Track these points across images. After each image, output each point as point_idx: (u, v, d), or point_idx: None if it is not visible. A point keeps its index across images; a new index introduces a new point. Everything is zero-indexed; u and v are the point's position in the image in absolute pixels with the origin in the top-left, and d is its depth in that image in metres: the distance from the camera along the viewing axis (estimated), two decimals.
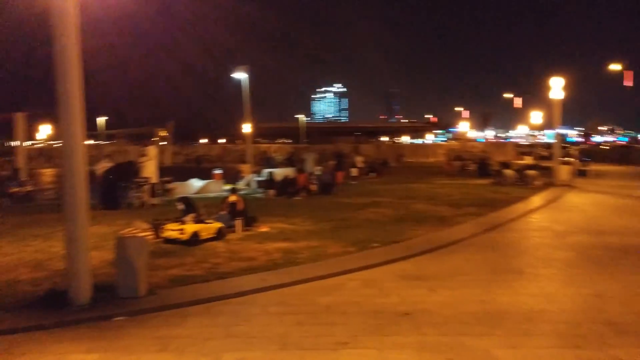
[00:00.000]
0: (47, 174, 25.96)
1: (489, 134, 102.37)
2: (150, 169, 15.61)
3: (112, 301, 5.70)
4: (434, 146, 63.43)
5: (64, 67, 5.44)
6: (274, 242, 9.15)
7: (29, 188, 16.73)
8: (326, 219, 11.78)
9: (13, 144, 28.14)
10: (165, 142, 44.74)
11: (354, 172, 24.18)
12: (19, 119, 23.57)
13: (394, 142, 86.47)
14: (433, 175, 26.79)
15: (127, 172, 15.13)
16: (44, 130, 39.26)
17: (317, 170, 21.54)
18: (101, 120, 60.19)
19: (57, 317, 5.20)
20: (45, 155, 42.63)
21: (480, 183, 21.56)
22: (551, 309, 5.86)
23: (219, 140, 79.60)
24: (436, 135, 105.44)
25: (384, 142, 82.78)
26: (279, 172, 19.69)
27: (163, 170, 21.07)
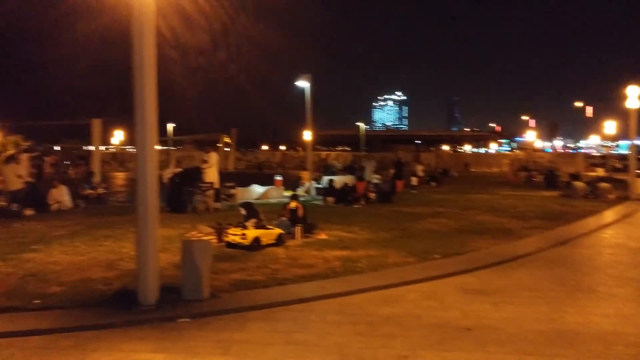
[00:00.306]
0: (120, 177, 27.34)
1: (557, 144, 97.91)
2: (212, 175, 16.08)
3: (177, 303, 5.89)
4: (498, 156, 61.42)
5: (141, 76, 5.72)
6: (333, 250, 9.16)
7: (101, 191, 17.67)
8: (385, 228, 11.66)
9: (90, 148, 29.89)
10: (229, 149, 45.92)
11: (414, 180, 23.82)
12: (96, 124, 25.02)
13: (455, 151, 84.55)
14: (497, 185, 25.93)
15: (192, 177, 15.66)
16: (118, 136, 41.44)
17: (377, 178, 21.40)
18: (170, 127, 62.82)
19: (126, 317, 5.44)
20: (118, 159, 45.00)
21: (548, 195, 20.64)
22: (627, 331, 5.49)
23: (280, 147, 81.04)
24: (500, 144, 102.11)
25: (445, 150, 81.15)
26: (339, 180, 19.73)
27: (226, 176, 21.65)
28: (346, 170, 28.32)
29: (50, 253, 8.55)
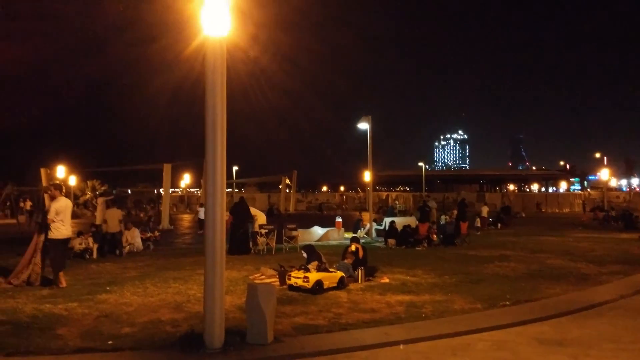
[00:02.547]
0: (186, 219, 28.33)
1: (634, 182, 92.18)
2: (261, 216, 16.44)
3: (242, 347, 5.92)
4: (569, 195, 58.54)
5: (212, 124, 6.01)
6: (396, 294, 8.96)
7: (157, 234, 18.34)
8: (450, 272, 11.30)
9: (160, 191, 31.32)
10: (289, 190, 46.70)
11: (479, 222, 23.10)
12: (167, 169, 26.33)
13: (522, 190, 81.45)
14: (569, 227, 24.65)
15: (252, 218, 15.99)
16: (185, 179, 43.27)
17: (440, 219, 20.93)
18: (234, 169, 64.91)
19: None
20: (185, 202, 46.76)
21: (626, 237, 19.34)
22: None
23: (339, 188, 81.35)
24: (571, 183, 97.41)
25: (511, 190, 78.37)
26: (400, 221, 19.47)
27: (287, 217, 21.88)
28: (408, 211, 27.93)
29: (123, 294, 8.92)
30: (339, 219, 21.96)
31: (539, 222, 27.73)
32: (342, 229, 20.39)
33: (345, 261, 10.64)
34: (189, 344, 5.92)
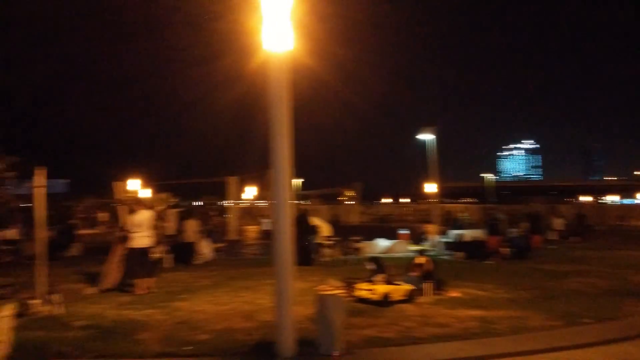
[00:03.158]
0: (251, 230, 28.94)
1: None
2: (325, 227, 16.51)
3: (313, 357, 5.98)
4: None
5: (277, 138, 6.16)
6: (467, 309, 8.70)
7: (221, 244, 18.96)
8: (523, 287, 10.85)
9: (225, 203, 32.28)
10: (353, 202, 46.72)
11: (552, 235, 22.03)
12: (232, 181, 27.13)
13: (599, 202, 77.00)
14: None
15: (314, 229, 16.10)
16: (250, 192, 44.28)
17: (511, 232, 20.18)
18: (297, 182, 65.77)
19: None
20: (250, 213, 47.84)
21: None
22: None
23: (402, 200, 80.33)
24: None
25: (586, 202, 74.26)
26: (468, 234, 18.93)
27: (351, 229, 21.86)
28: (476, 223, 27.12)
29: (196, 302, 9.25)
30: (404, 231, 21.67)
31: (619, 236, 26.06)
32: (408, 241, 20.09)
33: (412, 274, 10.49)
34: (262, 352, 6.06)
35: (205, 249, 16.08)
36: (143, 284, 10.08)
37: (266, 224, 26.04)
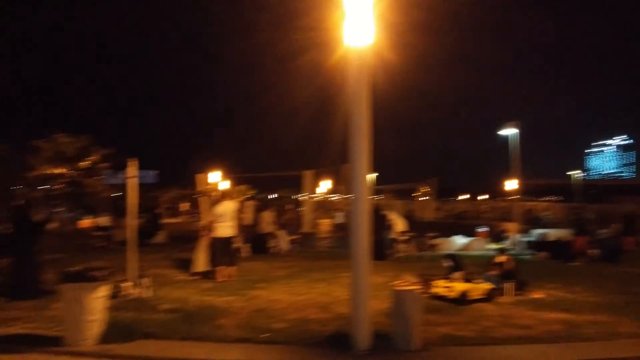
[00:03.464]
0: (325, 223, 29.23)
1: None
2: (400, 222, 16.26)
3: (389, 351, 5.95)
4: None
5: (356, 134, 6.15)
6: (551, 312, 8.27)
7: (296, 237, 19.23)
8: (615, 291, 10.13)
9: (300, 196, 32.83)
10: (428, 198, 45.82)
11: None
12: (307, 175, 27.53)
13: None
14: None
15: (389, 224, 15.95)
16: (324, 185, 44.74)
17: (601, 233, 18.93)
18: (372, 176, 65.52)
19: (340, 359, 5.68)
20: (323, 207, 48.31)
21: None
22: None
23: (479, 197, 77.61)
24: None
25: None
26: (553, 233, 17.99)
27: (427, 225, 21.49)
28: (561, 223, 25.73)
29: (273, 292, 9.50)
30: (483, 229, 20.99)
31: None
32: (486, 239, 19.44)
33: (492, 273, 10.12)
34: (337, 343, 6.11)
35: (281, 240, 16.45)
36: (224, 272, 10.51)
37: (339, 218, 26.18)
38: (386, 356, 5.81)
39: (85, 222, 22.96)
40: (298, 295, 9.21)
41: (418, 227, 19.37)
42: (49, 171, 23.14)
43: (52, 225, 20.68)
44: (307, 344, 6.25)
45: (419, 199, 46.62)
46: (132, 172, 8.68)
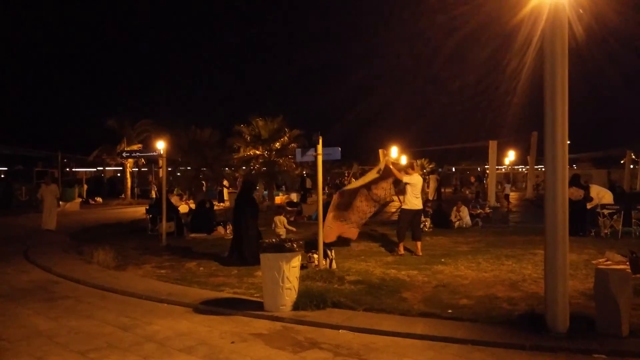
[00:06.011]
0: (512, 197, 27.43)
1: None
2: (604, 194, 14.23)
3: (590, 336, 5.37)
4: None
5: (552, 94, 5.58)
6: None
7: (488, 210, 18.30)
8: None
9: (485, 167, 31.24)
10: (635, 166, 39.76)
11: None
12: (492, 145, 26.06)
13: None
14: None
15: (586, 197, 14.21)
16: (510, 156, 41.88)
17: None
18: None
19: (536, 341, 5.29)
20: (510, 179, 45.30)
21: None
22: None
23: None
24: None
25: None
26: None
27: (635, 197, 18.74)
28: None
29: (457, 267, 9.28)
30: None
31: None
32: None
33: None
34: (529, 324, 5.73)
35: (464, 214, 15.92)
36: (417, 247, 10.62)
37: (507, 188, 25.34)
38: (587, 341, 5.24)
39: (279, 198, 25.18)
40: (484, 272, 8.85)
41: (627, 200, 16.95)
42: (250, 152, 25.85)
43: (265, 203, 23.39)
44: (495, 322, 5.96)
45: (625, 167, 40.57)
46: (319, 150, 9.12)
